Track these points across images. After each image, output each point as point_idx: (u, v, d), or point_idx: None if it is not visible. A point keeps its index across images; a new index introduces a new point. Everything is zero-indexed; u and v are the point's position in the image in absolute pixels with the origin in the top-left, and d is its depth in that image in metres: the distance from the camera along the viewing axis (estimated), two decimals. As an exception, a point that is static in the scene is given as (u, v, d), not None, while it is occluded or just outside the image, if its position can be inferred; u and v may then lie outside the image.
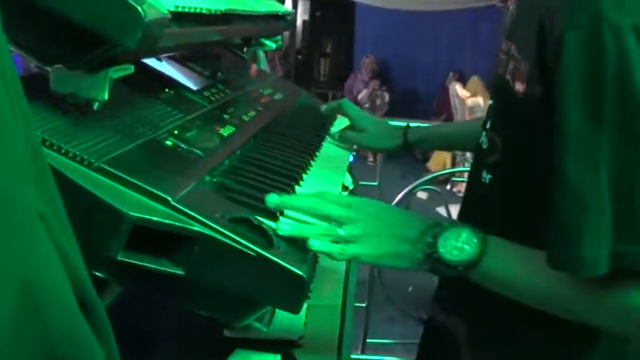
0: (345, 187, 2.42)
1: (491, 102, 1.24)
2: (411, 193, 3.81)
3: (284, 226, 0.95)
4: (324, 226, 1.01)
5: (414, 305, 3.88)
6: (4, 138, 0.57)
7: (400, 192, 3.75)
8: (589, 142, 0.89)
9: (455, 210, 4.79)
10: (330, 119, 1.82)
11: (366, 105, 10.67)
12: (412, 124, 1.83)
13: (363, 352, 3.76)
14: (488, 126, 1.20)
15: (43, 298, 0.59)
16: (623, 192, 0.89)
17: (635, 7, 0.89)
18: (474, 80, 9.06)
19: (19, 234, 0.57)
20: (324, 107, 1.81)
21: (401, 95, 11.40)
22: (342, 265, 1.63)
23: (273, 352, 1.13)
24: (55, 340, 0.60)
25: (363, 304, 3.70)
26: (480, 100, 8.59)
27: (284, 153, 1.31)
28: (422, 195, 6.94)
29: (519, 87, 1.06)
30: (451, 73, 9.80)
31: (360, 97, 10.78)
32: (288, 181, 1.14)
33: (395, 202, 3.77)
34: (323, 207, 1.01)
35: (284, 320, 1.24)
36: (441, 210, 5.80)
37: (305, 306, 1.32)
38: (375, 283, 3.79)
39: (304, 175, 1.23)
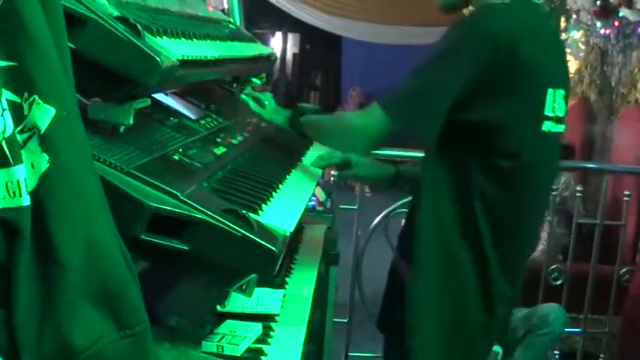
0: (320, 202, 2.75)
1: None
2: (390, 216, 4.07)
3: None
4: None
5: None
6: (78, 140, 0.90)
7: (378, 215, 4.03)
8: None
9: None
10: (306, 145, 2.14)
11: (354, 136, 10.92)
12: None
13: (345, 366, 3.99)
14: None
15: (102, 251, 0.91)
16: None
17: None
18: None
19: (86, 206, 0.89)
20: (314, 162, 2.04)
21: (388, 127, 11.60)
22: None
23: (255, 322, 1.45)
24: (108, 279, 0.91)
25: (345, 320, 3.95)
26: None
27: (265, 168, 1.64)
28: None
29: None
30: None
31: (347, 128, 11.02)
32: (266, 188, 1.47)
33: (374, 223, 4.06)
34: None
35: (265, 301, 1.55)
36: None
37: (282, 293, 1.65)
38: (355, 300, 4.04)
39: (280, 185, 1.56)
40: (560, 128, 1.83)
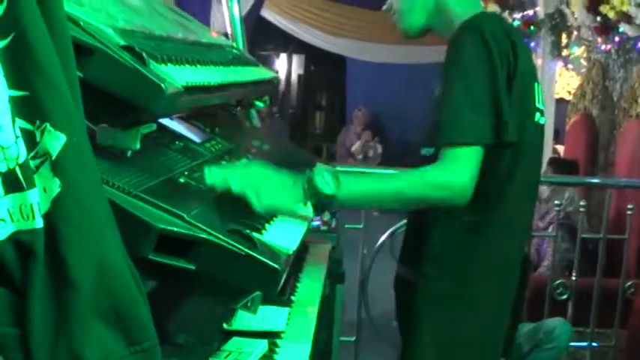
0: (324, 222, 2.79)
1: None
2: (396, 235, 4.10)
3: None
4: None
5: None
6: (87, 165, 0.94)
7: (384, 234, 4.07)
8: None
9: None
10: (310, 165, 2.18)
11: (360, 156, 10.99)
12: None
13: (353, 385, 4.00)
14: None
15: (111, 271, 0.95)
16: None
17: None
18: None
19: (96, 228, 0.93)
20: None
21: (394, 146, 11.62)
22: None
23: (261, 339, 1.48)
24: (118, 298, 0.95)
25: (352, 338, 3.97)
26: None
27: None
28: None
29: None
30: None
31: (353, 149, 11.06)
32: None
33: (379, 242, 4.10)
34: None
35: (271, 318, 1.59)
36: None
37: (287, 311, 1.68)
38: (363, 319, 4.07)
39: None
40: (544, 121, 1.94)
